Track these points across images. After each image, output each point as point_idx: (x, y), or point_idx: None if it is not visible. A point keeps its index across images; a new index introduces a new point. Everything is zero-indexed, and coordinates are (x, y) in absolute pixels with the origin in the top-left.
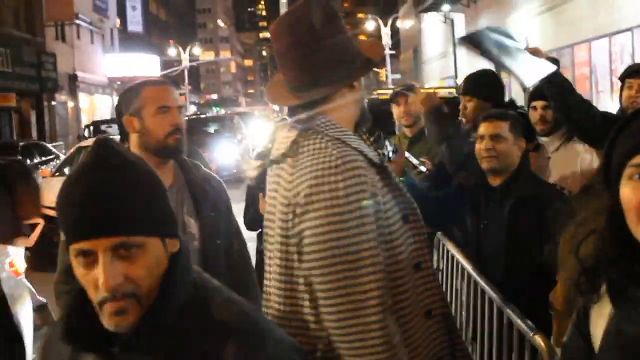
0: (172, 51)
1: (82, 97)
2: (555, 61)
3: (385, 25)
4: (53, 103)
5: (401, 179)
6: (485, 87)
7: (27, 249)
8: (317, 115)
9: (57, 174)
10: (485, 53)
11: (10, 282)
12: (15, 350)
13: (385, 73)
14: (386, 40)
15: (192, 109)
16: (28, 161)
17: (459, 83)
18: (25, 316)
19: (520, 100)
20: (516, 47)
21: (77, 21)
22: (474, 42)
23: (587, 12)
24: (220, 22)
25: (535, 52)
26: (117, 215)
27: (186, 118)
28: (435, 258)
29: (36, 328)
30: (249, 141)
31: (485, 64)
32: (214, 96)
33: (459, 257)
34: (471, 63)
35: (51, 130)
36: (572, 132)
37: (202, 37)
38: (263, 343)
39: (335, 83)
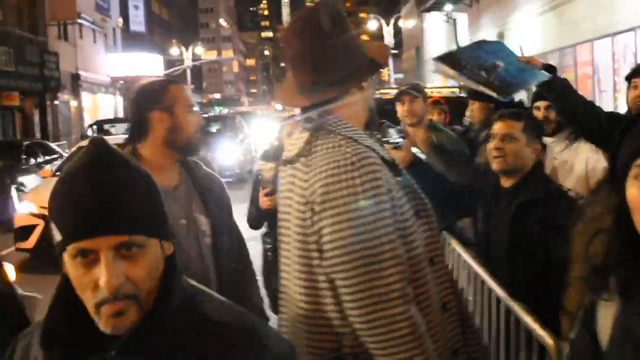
0: (174, 50)
1: (84, 96)
2: (551, 67)
3: (388, 24)
4: (56, 102)
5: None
6: None
7: (26, 250)
8: (327, 115)
9: (57, 173)
10: (461, 71)
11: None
12: None
13: (388, 72)
14: (388, 39)
15: None
16: (32, 160)
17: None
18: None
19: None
20: (494, 63)
21: (80, 20)
22: (449, 61)
23: (589, 12)
24: (222, 22)
25: (529, 61)
26: (121, 214)
27: None
28: None
29: None
30: (251, 141)
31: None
32: (217, 95)
33: (464, 255)
34: None
35: (54, 129)
36: (578, 133)
37: (204, 37)
38: (265, 342)
39: (344, 84)
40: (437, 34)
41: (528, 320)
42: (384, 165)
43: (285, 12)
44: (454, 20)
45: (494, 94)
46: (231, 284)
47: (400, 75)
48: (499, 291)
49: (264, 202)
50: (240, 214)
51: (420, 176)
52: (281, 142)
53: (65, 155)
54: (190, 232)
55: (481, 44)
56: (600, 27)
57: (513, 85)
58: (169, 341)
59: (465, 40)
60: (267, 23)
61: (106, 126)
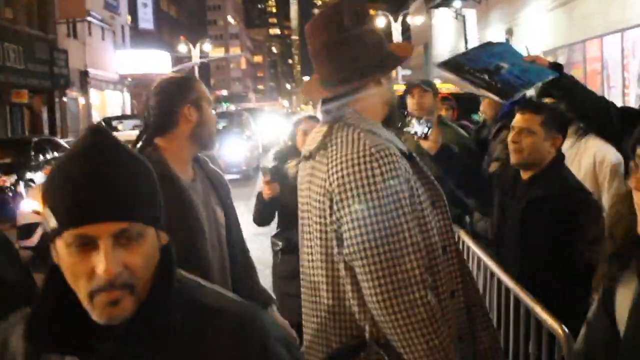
0: (182, 48)
1: (93, 93)
2: (558, 66)
3: (396, 21)
4: (64, 99)
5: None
6: None
7: (29, 248)
8: (345, 107)
9: None
10: (462, 75)
11: None
12: None
13: (396, 69)
14: (396, 36)
15: None
16: (41, 157)
17: None
18: None
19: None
20: (497, 65)
21: (89, 18)
22: (452, 66)
23: (599, 8)
24: (230, 19)
25: (535, 60)
26: (123, 200)
27: None
28: None
29: None
30: (258, 137)
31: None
32: (224, 92)
33: (473, 247)
34: None
35: (62, 126)
36: (588, 128)
37: (212, 34)
38: (264, 326)
39: (363, 77)
40: (446, 30)
41: (538, 310)
42: (402, 157)
43: (293, 9)
44: (463, 16)
45: (495, 98)
46: (240, 273)
47: (408, 72)
48: (508, 282)
49: (265, 191)
50: (248, 212)
51: (448, 164)
52: (294, 141)
53: None
54: (211, 223)
55: (487, 46)
56: (610, 23)
57: (516, 86)
58: (166, 331)
59: (474, 36)
60: (274, 20)
61: (114, 123)
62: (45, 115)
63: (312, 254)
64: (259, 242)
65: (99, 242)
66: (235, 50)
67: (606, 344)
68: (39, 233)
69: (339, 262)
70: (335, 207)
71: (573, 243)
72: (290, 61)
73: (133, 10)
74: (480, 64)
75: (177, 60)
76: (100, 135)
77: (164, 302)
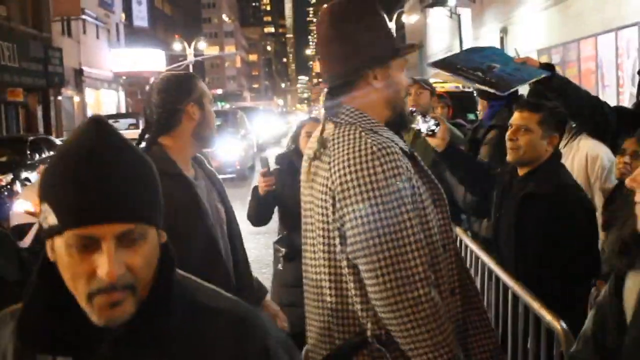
0: (177, 46)
1: (88, 92)
2: (549, 66)
3: (391, 20)
4: (59, 98)
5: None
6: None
7: (23, 249)
8: (342, 102)
9: None
10: (456, 72)
11: None
12: None
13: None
14: None
15: None
16: (37, 156)
17: None
18: None
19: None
20: (489, 65)
21: (83, 16)
22: (445, 65)
23: (593, 7)
24: (225, 17)
25: (525, 62)
26: (129, 201)
27: None
28: None
29: None
30: (253, 136)
31: None
32: (219, 91)
33: (471, 245)
34: None
35: (57, 125)
36: (582, 128)
37: (207, 32)
38: (264, 326)
39: (353, 74)
40: (441, 29)
41: (536, 306)
42: (404, 155)
43: (288, 7)
44: (458, 15)
45: (491, 90)
46: (242, 268)
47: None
48: (506, 278)
49: (260, 184)
50: (244, 211)
51: (454, 161)
52: (297, 144)
53: None
54: (216, 220)
55: (474, 50)
56: (604, 22)
57: (510, 81)
58: (166, 331)
59: (468, 35)
60: (269, 18)
61: (110, 121)
62: (40, 114)
63: (315, 252)
64: (256, 241)
65: (102, 243)
66: (230, 49)
67: (618, 325)
68: (32, 234)
69: (342, 260)
70: (338, 206)
71: (567, 240)
72: (285, 60)
73: (127, 8)
74: (473, 64)
75: (172, 58)
76: (103, 129)
77: (164, 302)
